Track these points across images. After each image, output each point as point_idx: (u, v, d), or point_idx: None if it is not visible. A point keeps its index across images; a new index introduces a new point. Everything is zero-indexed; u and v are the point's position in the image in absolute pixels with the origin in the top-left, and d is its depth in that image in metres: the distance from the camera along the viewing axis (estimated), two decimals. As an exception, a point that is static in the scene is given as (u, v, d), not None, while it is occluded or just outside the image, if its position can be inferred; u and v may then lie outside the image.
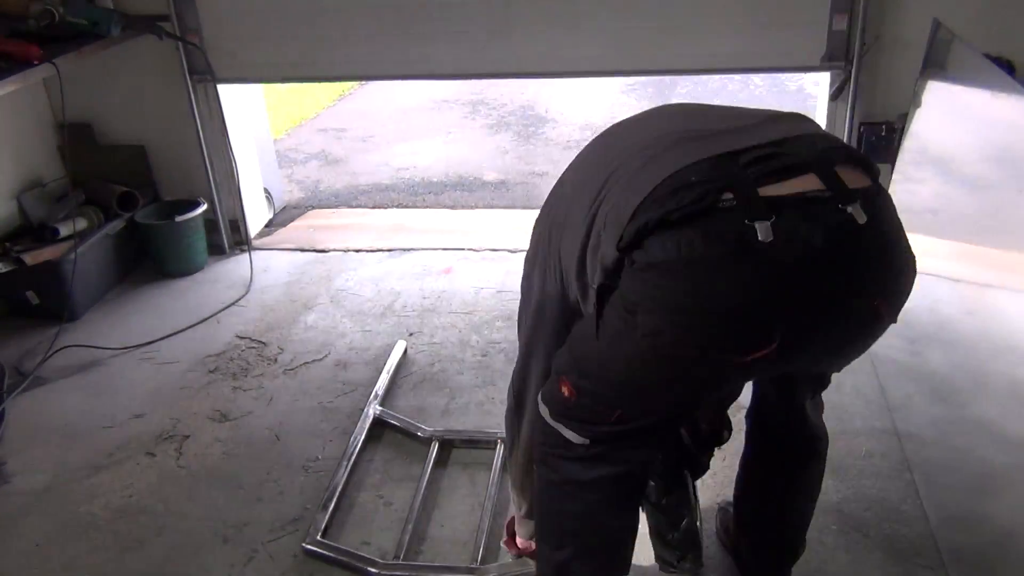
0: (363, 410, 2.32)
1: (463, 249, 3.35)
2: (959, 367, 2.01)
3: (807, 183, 1.14)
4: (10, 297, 2.92)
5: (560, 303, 1.40)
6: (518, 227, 3.39)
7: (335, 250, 3.40)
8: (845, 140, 2.85)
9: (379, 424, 2.30)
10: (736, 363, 1.16)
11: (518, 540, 1.77)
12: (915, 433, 2.13)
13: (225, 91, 3.18)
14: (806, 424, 1.55)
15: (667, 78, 5.78)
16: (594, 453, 1.33)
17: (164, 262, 3.23)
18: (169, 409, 2.44)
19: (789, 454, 1.59)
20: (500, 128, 5.15)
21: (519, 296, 1.52)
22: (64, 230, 2.92)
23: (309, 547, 1.88)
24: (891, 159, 2.60)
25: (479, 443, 2.21)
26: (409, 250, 3.37)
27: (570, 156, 1.47)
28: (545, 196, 1.47)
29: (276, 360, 2.66)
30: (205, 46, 3.04)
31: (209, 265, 3.30)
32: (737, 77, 5.69)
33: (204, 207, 3.21)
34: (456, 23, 2.90)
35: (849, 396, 2.31)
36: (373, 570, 1.82)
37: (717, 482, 2.00)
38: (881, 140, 2.83)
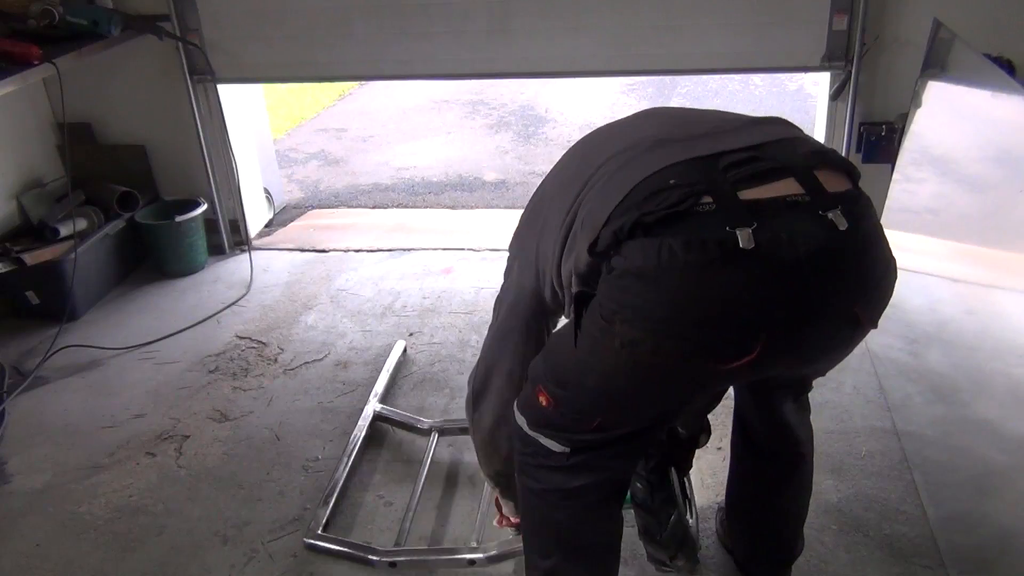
0: (363, 410, 2.32)
1: (463, 249, 3.35)
2: (959, 367, 2.01)
3: (787, 187, 1.14)
4: (10, 297, 2.92)
5: (533, 299, 1.40)
6: (518, 227, 3.39)
7: (335, 250, 3.40)
8: (845, 140, 2.86)
9: (379, 420, 2.30)
10: (717, 371, 1.15)
11: (507, 515, 1.78)
12: (915, 433, 2.13)
13: (225, 91, 3.18)
14: (788, 429, 1.55)
15: (667, 78, 5.78)
16: (575, 462, 1.32)
17: (164, 262, 3.23)
18: (169, 409, 2.44)
19: (773, 460, 1.60)
20: (500, 128, 5.15)
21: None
22: (64, 230, 2.91)
23: (310, 541, 1.89)
24: (891, 159, 2.60)
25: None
26: (409, 250, 3.37)
27: (569, 157, 1.47)
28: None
29: (276, 360, 2.66)
30: (205, 46, 3.04)
31: (209, 265, 3.30)
32: (737, 77, 5.69)
33: (204, 207, 3.21)
34: (456, 23, 2.90)
35: (849, 396, 2.31)
36: (374, 557, 1.83)
37: (718, 482, 2.00)
38: (881, 140, 2.83)
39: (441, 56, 2.98)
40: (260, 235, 3.57)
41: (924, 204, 2.41)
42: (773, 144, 1.21)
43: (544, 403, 1.31)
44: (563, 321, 1.44)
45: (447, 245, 3.39)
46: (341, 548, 1.87)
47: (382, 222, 3.77)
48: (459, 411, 2.34)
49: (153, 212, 3.22)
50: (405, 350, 2.65)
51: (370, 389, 2.42)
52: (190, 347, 2.76)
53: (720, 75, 5.41)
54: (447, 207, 3.97)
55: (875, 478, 2.03)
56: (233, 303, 3.01)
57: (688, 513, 1.61)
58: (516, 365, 1.47)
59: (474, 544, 1.84)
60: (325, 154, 4.85)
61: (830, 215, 1.12)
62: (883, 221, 2.57)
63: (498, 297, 1.53)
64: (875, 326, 1.22)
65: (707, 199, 1.10)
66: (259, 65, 3.12)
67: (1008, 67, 2.51)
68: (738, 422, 1.64)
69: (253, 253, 3.33)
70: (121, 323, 2.93)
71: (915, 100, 2.41)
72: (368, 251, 3.38)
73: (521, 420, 1.37)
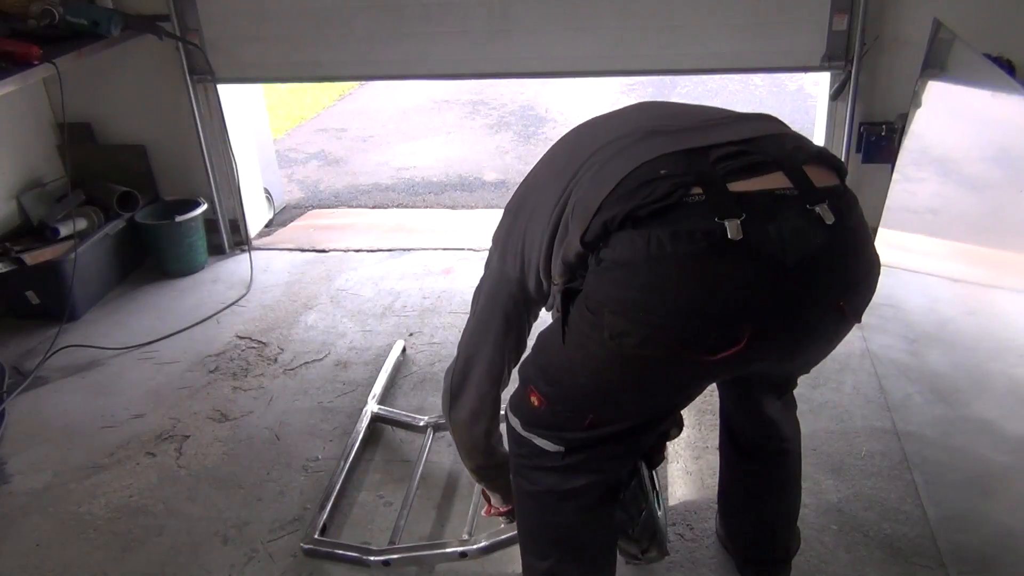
0: (363, 410, 2.32)
1: (463, 249, 3.35)
2: (959, 367, 2.01)
3: (776, 181, 1.14)
4: (10, 297, 2.92)
5: (515, 286, 1.40)
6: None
7: (335, 250, 3.40)
8: (845, 140, 2.87)
9: (377, 420, 2.30)
10: (705, 362, 1.15)
11: (495, 505, 1.79)
12: (915, 433, 2.13)
13: (225, 91, 3.18)
14: (773, 425, 1.56)
15: (667, 78, 5.78)
16: (570, 463, 1.33)
17: (164, 262, 3.23)
18: (169, 409, 2.44)
19: (758, 456, 1.61)
20: (500, 128, 5.16)
21: None
22: (64, 230, 2.92)
23: (307, 546, 1.88)
24: (891, 159, 2.60)
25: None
26: (409, 250, 3.37)
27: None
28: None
29: (276, 360, 2.66)
30: (205, 46, 3.04)
31: (209, 265, 3.30)
32: (737, 77, 5.69)
33: (204, 207, 3.21)
34: (456, 23, 2.90)
35: (849, 396, 2.31)
36: (368, 558, 1.83)
37: (718, 482, 2.00)
38: (881, 140, 2.83)
39: (441, 56, 2.99)
40: (260, 235, 3.57)
41: (924, 204, 2.41)
42: (763, 139, 1.23)
43: (536, 403, 1.31)
44: (545, 315, 1.44)
45: (447, 245, 3.39)
46: (336, 551, 1.87)
47: (382, 222, 3.77)
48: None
49: (153, 212, 3.22)
50: (405, 350, 2.65)
51: (370, 389, 2.42)
52: (190, 347, 2.76)
53: (720, 75, 5.41)
54: (447, 207, 3.98)
55: (875, 478, 2.03)
56: (233, 303, 3.01)
57: (658, 506, 1.61)
58: (497, 356, 1.46)
59: (465, 536, 1.84)
60: (325, 154, 4.85)
61: (817, 209, 1.13)
62: (883, 221, 2.59)
63: (476, 287, 1.51)
64: (859, 320, 1.24)
65: (696, 190, 1.11)
66: (259, 65, 3.12)
67: (1008, 67, 2.51)
68: (724, 423, 1.66)
69: (253, 253, 3.33)
70: (121, 323, 2.93)
71: (915, 100, 2.41)
72: (368, 251, 3.38)
73: (515, 421, 1.37)
